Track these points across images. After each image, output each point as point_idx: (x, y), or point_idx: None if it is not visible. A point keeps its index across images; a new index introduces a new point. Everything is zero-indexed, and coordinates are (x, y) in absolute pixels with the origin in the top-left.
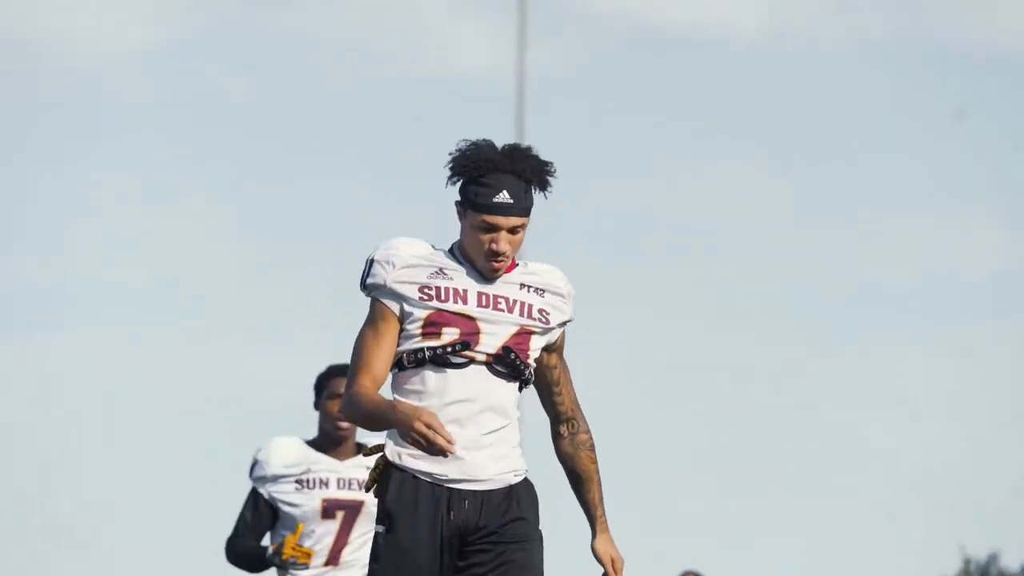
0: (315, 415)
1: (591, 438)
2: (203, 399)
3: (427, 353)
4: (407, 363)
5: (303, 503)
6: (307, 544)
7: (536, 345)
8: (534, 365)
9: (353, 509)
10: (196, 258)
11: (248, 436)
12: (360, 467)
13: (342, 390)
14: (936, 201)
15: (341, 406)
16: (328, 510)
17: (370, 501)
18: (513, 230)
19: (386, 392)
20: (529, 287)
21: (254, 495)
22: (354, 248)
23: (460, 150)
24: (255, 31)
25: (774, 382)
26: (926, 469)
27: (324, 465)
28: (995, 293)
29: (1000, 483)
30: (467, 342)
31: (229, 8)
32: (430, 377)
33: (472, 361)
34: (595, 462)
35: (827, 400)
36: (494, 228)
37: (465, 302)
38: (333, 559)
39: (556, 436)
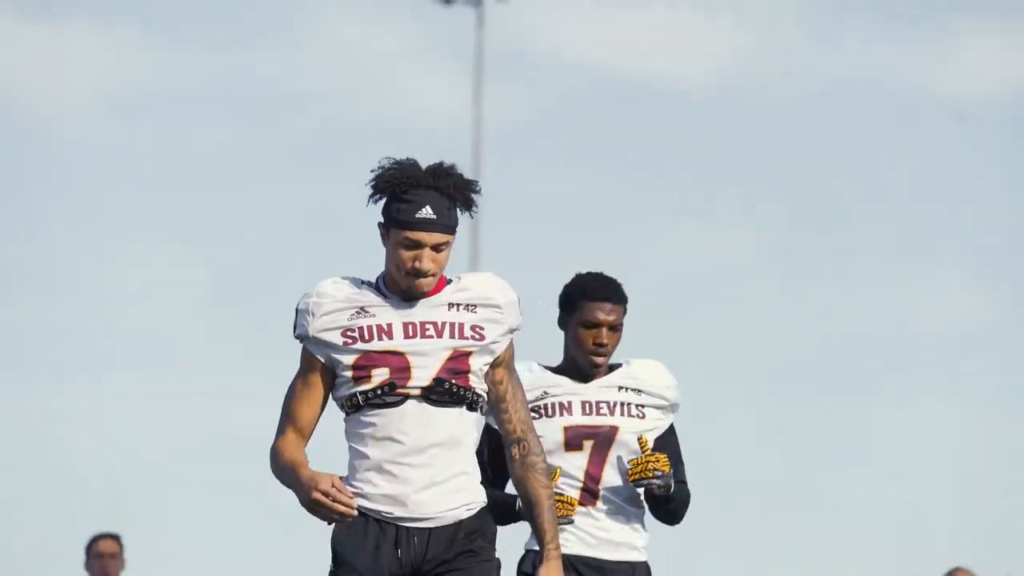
0: None
1: (543, 460)
2: None
3: (359, 398)
4: (347, 409)
5: (543, 433)
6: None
7: (478, 364)
8: (480, 386)
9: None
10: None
11: None
12: (610, 388)
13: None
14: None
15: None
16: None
17: (625, 426)
18: (437, 247)
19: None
20: (459, 305)
21: (487, 431)
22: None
23: (382, 167)
24: (216, 80)
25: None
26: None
27: (565, 388)
28: None
29: None
30: (393, 382)
31: (189, 58)
32: (371, 421)
33: (407, 397)
34: (547, 487)
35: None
36: (417, 245)
37: (391, 337)
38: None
39: (508, 458)
